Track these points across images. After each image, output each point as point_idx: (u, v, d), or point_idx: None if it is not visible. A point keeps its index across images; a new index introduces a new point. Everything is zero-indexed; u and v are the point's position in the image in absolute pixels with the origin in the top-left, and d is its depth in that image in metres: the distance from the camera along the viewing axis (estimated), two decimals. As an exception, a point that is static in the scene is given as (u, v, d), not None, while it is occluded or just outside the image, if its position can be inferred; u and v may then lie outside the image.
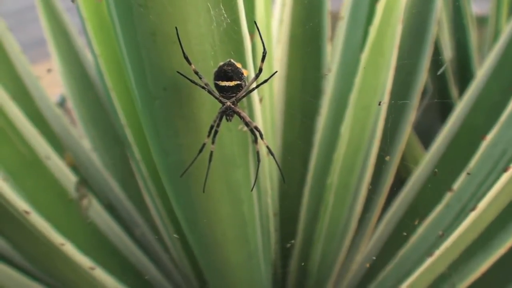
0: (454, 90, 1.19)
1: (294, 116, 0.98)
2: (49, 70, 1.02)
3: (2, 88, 0.89)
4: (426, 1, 1.05)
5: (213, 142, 0.56)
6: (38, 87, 1.06)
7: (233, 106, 0.55)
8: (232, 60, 0.53)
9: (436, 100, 1.20)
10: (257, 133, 0.56)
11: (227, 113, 0.55)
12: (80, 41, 1.14)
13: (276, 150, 0.95)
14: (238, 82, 0.53)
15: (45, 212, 0.75)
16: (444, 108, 1.18)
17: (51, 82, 1.18)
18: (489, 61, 0.96)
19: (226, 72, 0.52)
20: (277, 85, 0.96)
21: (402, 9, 0.84)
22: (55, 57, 1.13)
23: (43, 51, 1.21)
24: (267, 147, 0.58)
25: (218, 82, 0.53)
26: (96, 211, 0.92)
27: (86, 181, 0.93)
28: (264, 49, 0.53)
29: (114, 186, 1.02)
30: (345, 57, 0.87)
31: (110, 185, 1.02)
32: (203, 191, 0.61)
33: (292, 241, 0.94)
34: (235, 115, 0.56)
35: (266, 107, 0.83)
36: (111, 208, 1.00)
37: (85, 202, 0.85)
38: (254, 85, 0.56)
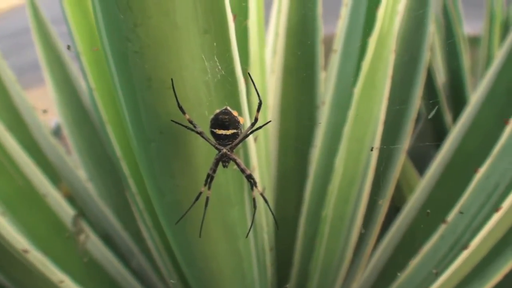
0: (448, 115, 1.19)
1: (288, 147, 0.98)
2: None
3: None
4: (418, 27, 1.06)
5: (209, 188, 0.57)
6: (33, 116, 1.06)
7: (229, 153, 0.55)
8: (228, 108, 0.53)
9: (430, 126, 1.21)
10: (252, 181, 0.57)
11: (223, 159, 0.56)
12: (74, 69, 1.14)
13: (270, 181, 0.95)
14: (235, 130, 0.53)
15: (42, 247, 0.75)
16: (438, 133, 1.19)
17: (46, 107, 1.17)
18: (482, 88, 0.97)
19: (223, 121, 0.52)
20: (271, 116, 0.97)
21: (395, 39, 0.84)
22: (50, 84, 1.13)
23: (39, 75, 1.20)
24: (261, 194, 0.58)
25: (215, 130, 0.53)
26: (93, 242, 0.92)
27: (83, 214, 0.93)
28: (260, 99, 0.54)
29: (110, 216, 1.02)
30: (338, 90, 0.88)
31: (106, 215, 1.02)
32: (200, 236, 0.61)
33: (287, 286, 0.94)
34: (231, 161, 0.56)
35: (260, 139, 0.84)
36: (107, 238, 1.00)
37: (82, 237, 0.85)
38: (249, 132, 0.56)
